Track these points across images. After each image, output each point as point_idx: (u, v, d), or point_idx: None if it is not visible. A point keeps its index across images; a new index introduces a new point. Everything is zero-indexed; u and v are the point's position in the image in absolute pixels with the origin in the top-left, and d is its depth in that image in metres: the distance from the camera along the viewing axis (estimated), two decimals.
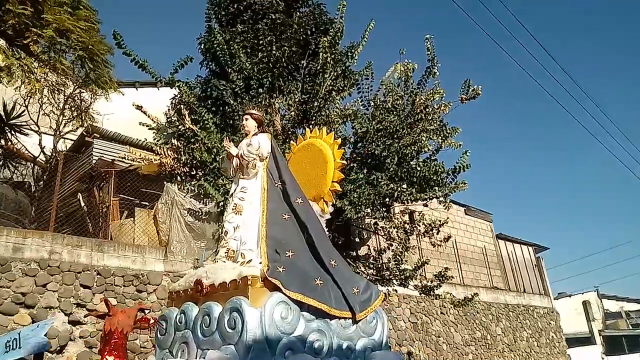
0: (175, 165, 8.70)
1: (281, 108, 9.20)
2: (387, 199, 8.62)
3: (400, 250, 8.85)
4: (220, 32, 9.07)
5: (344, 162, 5.16)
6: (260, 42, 9.04)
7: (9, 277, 7.09)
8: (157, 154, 8.87)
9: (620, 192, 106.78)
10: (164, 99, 10.20)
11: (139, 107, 9.00)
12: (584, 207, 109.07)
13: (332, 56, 8.60)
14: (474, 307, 14.42)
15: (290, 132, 8.81)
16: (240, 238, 4.30)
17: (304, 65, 9.33)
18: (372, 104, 9.07)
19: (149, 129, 9.70)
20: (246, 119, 4.86)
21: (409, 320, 12.60)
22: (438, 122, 8.86)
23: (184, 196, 9.24)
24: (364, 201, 8.05)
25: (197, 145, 8.44)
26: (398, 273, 8.90)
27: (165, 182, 9.36)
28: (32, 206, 9.51)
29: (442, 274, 8.93)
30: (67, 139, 11.16)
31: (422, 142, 8.50)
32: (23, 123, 10.52)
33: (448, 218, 10.18)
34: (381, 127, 8.44)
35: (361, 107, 9.23)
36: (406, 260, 9.15)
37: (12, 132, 10.50)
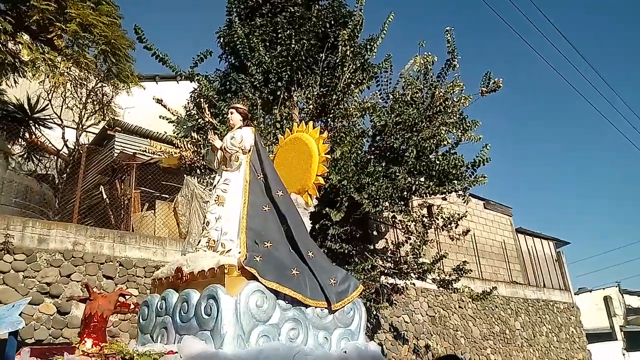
0: (195, 159, 8.79)
1: (299, 101, 9.22)
2: (406, 193, 8.60)
3: (419, 243, 8.83)
4: (240, 26, 9.11)
5: (329, 156, 5.22)
6: (279, 35, 9.06)
7: (35, 268, 7.27)
8: (177, 147, 8.97)
9: None
10: (183, 93, 10.33)
11: (159, 101, 9.10)
12: (606, 200, 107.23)
13: (351, 49, 8.58)
14: (493, 302, 14.32)
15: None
16: (222, 229, 4.39)
17: (323, 58, 9.32)
18: (391, 97, 9.03)
19: (169, 122, 9.81)
20: (231, 113, 4.91)
21: (427, 314, 12.58)
22: (458, 115, 8.79)
23: (204, 189, 9.34)
24: (382, 195, 8.04)
25: None
26: (416, 266, 8.89)
27: (185, 175, 9.46)
28: (56, 198, 9.71)
29: (461, 267, 8.90)
30: (90, 132, 11.37)
31: (442, 135, 8.46)
32: (47, 117, 10.75)
33: (467, 212, 10.11)
34: (400, 120, 8.40)
35: (380, 100, 9.20)
36: (424, 254, 9.14)
37: (36, 126, 10.73)
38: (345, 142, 8.22)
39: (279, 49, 8.99)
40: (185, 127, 10.11)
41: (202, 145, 8.85)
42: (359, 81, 9.03)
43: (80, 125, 10.79)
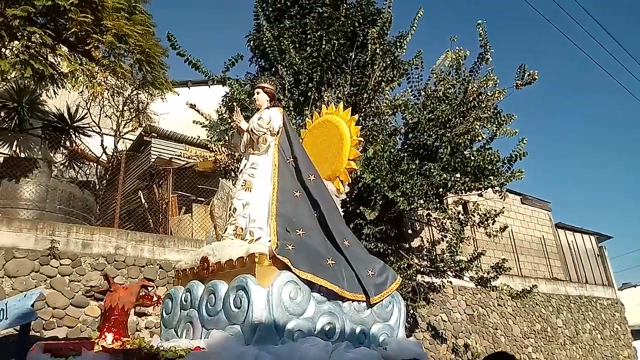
0: (229, 162, 8.92)
1: (330, 101, 9.23)
2: (440, 190, 8.51)
3: (455, 241, 8.72)
4: (269, 29, 9.19)
5: (361, 139, 4.86)
6: (309, 36, 9.10)
7: (80, 272, 7.52)
8: (212, 150, 9.12)
9: None
10: (215, 97, 10.47)
11: (192, 106, 9.28)
12: None
13: (381, 47, 8.54)
14: (533, 299, 14.01)
15: None
16: (249, 215, 4.08)
17: (352, 57, 9.31)
18: (423, 93, 8.96)
19: (202, 126, 9.97)
20: (257, 93, 4.62)
21: (465, 312, 12.39)
22: (492, 110, 8.65)
23: None
24: (417, 192, 7.98)
25: None
26: (453, 264, 8.79)
27: (220, 178, 9.60)
28: (97, 204, 10.01)
29: (499, 265, 8.75)
30: (127, 139, 11.68)
31: (476, 130, 8.34)
32: (86, 125, 11.09)
33: (504, 208, 9.93)
34: (433, 116, 8.33)
35: (411, 97, 9.14)
36: (461, 252, 9.02)
37: (76, 134, 11.08)
38: (378, 140, 8.19)
39: (308, 50, 9.02)
40: (218, 130, 10.27)
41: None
42: (390, 79, 8.99)
43: (118, 133, 11.10)
